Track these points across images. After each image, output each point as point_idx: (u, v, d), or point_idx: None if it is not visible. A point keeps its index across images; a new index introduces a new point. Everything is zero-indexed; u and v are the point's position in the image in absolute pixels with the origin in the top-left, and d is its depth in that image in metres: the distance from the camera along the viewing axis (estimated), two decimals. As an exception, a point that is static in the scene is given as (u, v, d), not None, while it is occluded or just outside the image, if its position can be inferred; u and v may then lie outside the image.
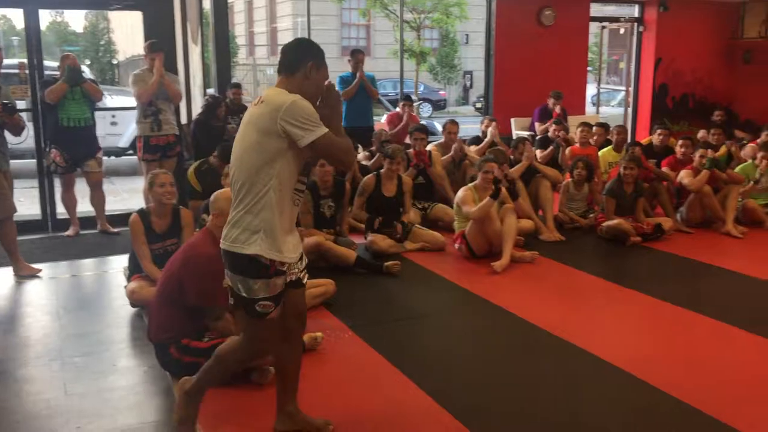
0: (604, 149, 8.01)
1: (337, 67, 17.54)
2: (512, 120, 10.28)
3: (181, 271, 3.50)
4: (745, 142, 9.63)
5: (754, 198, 7.08)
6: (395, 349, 4.14)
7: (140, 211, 4.81)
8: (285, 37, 24.71)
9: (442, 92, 27.37)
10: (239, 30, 32.86)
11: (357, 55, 8.63)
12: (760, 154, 7.17)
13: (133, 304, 4.75)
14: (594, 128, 8.45)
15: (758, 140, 8.69)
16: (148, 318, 3.94)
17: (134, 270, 4.82)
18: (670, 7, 11.11)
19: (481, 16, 23.84)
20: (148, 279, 4.64)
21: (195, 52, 8.41)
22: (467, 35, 28.79)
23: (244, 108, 7.38)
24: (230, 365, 2.98)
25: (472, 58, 27.31)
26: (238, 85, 8.29)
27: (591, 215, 7.05)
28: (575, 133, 8.30)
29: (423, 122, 10.15)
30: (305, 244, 5.51)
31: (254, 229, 2.65)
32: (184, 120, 7.45)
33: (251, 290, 2.70)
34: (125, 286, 4.89)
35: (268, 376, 3.52)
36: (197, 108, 7.71)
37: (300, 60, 2.77)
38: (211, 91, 9.12)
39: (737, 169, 7.32)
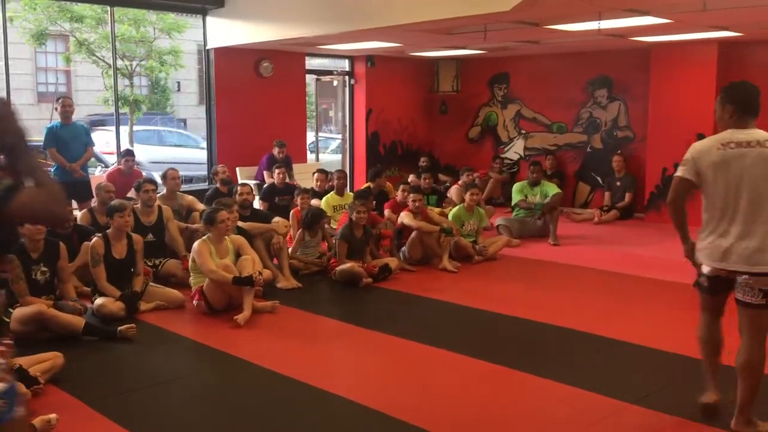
0: (328, 195, 8.40)
1: (34, 115, 16.05)
2: (237, 169, 10.26)
3: None
4: (447, 184, 10.75)
5: (464, 236, 7.87)
6: (141, 420, 3.84)
7: None
8: (-31, 81, 22.01)
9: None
10: None
11: (65, 102, 8.00)
12: (468, 195, 8.02)
13: None
14: (317, 174, 8.92)
15: (460, 182, 9.75)
16: None
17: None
18: (376, 62, 12.05)
19: (193, 64, 23.66)
20: None
21: None
22: (179, 83, 28.28)
23: None
24: None
25: (185, 105, 26.87)
26: None
27: (323, 258, 7.27)
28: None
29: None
30: (22, 314, 4.92)
31: None
32: None
33: None
34: None
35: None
36: None
37: None
38: None
39: (450, 214, 8.07)
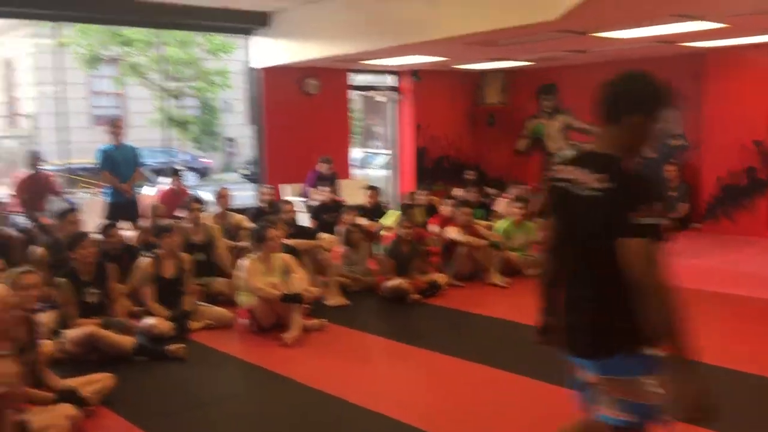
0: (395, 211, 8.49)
1: (90, 138, 16.51)
2: (284, 186, 10.31)
3: None
4: (493, 197, 10.59)
5: (512, 250, 7.71)
6: (191, 442, 3.81)
7: None
8: (29, 107, 22.77)
9: (205, 160, 26.86)
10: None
11: (116, 123, 8.17)
12: (515, 208, 7.87)
13: None
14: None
15: (507, 195, 9.61)
16: None
17: None
18: (422, 77, 12.01)
19: (241, 84, 24.00)
20: None
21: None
22: (227, 102, 28.74)
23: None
24: None
25: (234, 125, 27.26)
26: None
27: (370, 276, 7.22)
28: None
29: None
30: (74, 336, 4.97)
31: None
32: None
33: None
34: None
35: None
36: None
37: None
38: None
39: (498, 228, 7.92)
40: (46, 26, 11.73)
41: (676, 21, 6.82)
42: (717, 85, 9.78)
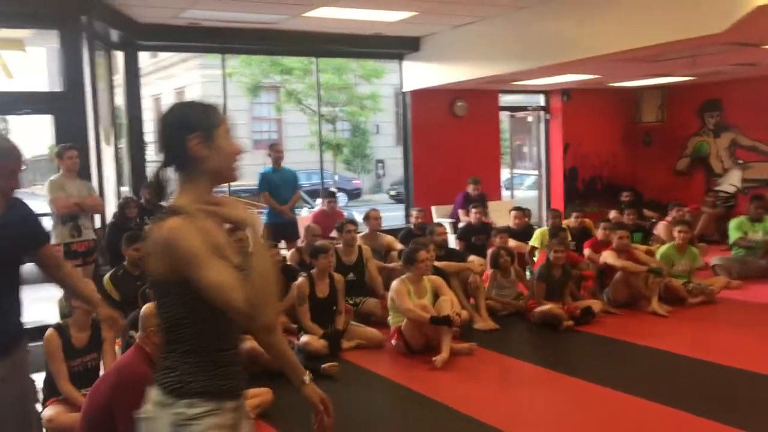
0: (542, 229, 8.33)
1: (250, 161, 17.45)
2: (433, 208, 10.38)
3: (111, 396, 3.19)
4: (653, 220, 10.06)
5: (674, 277, 7.28)
6: (343, 461, 3.89)
7: (57, 326, 4.44)
8: (196, 132, 24.57)
9: (356, 181, 27.68)
10: (146, 126, 32.46)
11: (276, 148, 8.61)
12: (676, 232, 7.44)
13: (51, 434, 4.31)
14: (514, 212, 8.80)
15: (668, 218, 9.09)
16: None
17: (50, 393, 4.40)
18: (573, 95, 11.71)
19: (390, 107, 24.57)
20: (65, 403, 4.24)
21: (108, 152, 8.13)
22: (377, 125, 29.50)
23: (160, 207, 7.13)
24: None
25: (383, 147, 27.90)
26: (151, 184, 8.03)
27: (521, 300, 7.08)
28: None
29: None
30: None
31: None
32: (98, 224, 7.11)
33: None
34: (40, 413, 4.45)
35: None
36: (111, 210, 7.39)
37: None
38: (125, 189, 8.81)
39: (659, 253, 7.53)
40: (214, 58, 12.61)
41: None
42: None
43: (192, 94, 24.75)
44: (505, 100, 12.30)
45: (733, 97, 11.12)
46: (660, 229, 9.05)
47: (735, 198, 11.15)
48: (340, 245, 7.14)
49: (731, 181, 11.31)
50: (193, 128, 1.93)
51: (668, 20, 6.41)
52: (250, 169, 12.80)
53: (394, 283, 5.95)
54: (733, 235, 8.60)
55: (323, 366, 5.30)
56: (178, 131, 1.94)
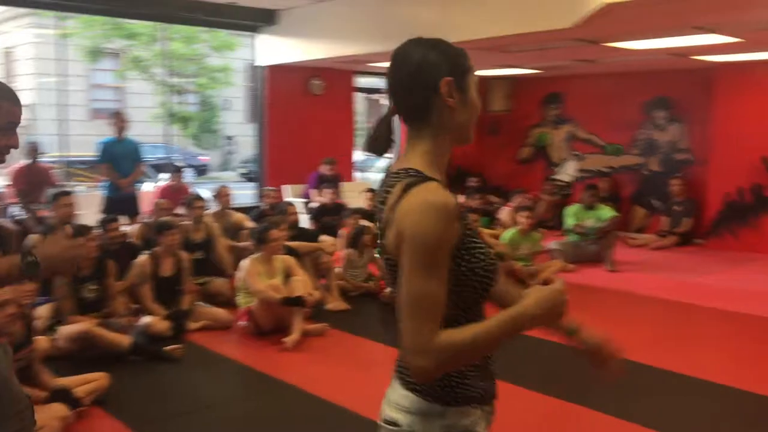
0: None
1: (88, 131, 16.41)
2: (285, 187, 10.18)
3: None
4: (497, 206, 10.49)
5: (517, 260, 7.60)
6: (187, 448, 3.68)
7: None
8: (26, 98, 22.58)
9: (203, 157, 26.73)
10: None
11: (120, 116, 8.04)
12: (521, 217, 7.76)
13: None
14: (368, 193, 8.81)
15: (511, 204, 9.51)
16: None
17: None
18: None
19: (242, 82, 23.86)
20: None
21: None
22: (227, 100, 28.63)
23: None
24: None
25: (233, 123, 27.14)
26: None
27: (372, 281, 7.09)
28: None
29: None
30: (69, 332, 4.84)
31: None
32: None
33: None
34: None
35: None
36: None
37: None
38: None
39: (505, 237, 7.82)
40: (48, 16, 11.60)
41: (693, 33, 6.73)
42: (726, 101, 9.70)
43: (22, 55, 22.72)
44: (362, 81, 12.28)
45: (573, 92, 11.78)
46: (504, 214, 9.45)
47: (571, 187, 11.86)
48: (187, 222, 6.79)
49: (568, 171, 12.01)
50: (447, 70, 1.55)
51: (523, 12, 6.62)
52: (88, 139, 11.97)
53: (244, 263, 5.74)
54: (569, 221, 9.12)
55: (167, 348, 5.02)
56: (429, 71, 1.55)
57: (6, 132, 1.89)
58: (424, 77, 1.56)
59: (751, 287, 7.56)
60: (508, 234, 7.83)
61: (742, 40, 7.08)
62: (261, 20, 9.85)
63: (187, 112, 18.71)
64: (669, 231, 10.21)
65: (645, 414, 4.16)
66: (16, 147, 1.91)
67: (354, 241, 7.03)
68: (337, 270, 6.89)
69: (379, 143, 1.64)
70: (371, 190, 9.03)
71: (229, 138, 29.12)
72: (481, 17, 6.99)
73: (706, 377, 4.77)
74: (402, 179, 1.53)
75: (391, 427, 1.60)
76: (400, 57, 1.61)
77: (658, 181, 10.79)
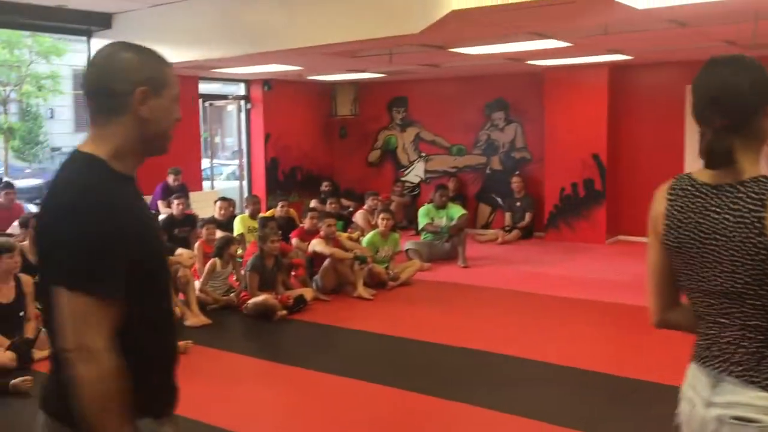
0: (242, 215, 8.27)
1: None
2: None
3: None
4: (351, 209, 10.57)
5: (377, 262, 7.69)
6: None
7: None
8: None
9: (27, 170, 24.76)
10: None
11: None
12: (380, 219, 7.87)
13: None
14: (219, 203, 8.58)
15: (365, 207, 9.61)
16: None
17: None
18: (274, 86, 11.76)
19: (69, 90, 22.35)
20: None
21: None
22: (52, 110, 26.71)
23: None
24: None
25: (60, 133, 25.39)
26: None
27: (232, 293, 6.90)
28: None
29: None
30: None
31: None
32: None
33: None
34: None
35: None
36: None
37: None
38: None
39: (365, 240, 7.90)
40: None
41: (530, 39, 7.15)
42: (557, 102, 10.39)
43: None
44: (203, 88, 11.90)
45: (418, 95, 12.13)
46: (358, 217, 9.53)
47: (419, 187, 12.21)
48: (26, 243, 6.24)
49: (416, 173, 12.35)
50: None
51: (372, 17, 6.69)
52: None
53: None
54: (422, 221, 9.38)
55: (13, 382, 4.59)
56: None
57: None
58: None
59: (588, 275, 8.15)
60: (368, 237, 7.91)
61: (572, 45, 7.61)
62: (95, 24, 9.25)
63: (12, 123, 17.21)
64: (512, 226, 10.79)
65: (512, 403, 4.35)
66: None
67: (220, 251, 6.80)
68: (195, 284, 6.63)
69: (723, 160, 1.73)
70: (223, 199, 8.78)
71: (56, 150, 27.20)
72: (330, 22, 7.00)
73: (561, 362, 5.07)
74: None
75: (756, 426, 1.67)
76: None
77: (500, 179, 11.37)
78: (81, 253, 1.50)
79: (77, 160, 1.65)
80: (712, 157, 1.73)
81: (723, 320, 1.73)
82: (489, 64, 9.53)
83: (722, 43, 7.51)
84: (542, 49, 7.93)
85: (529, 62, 9.34)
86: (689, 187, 1.79)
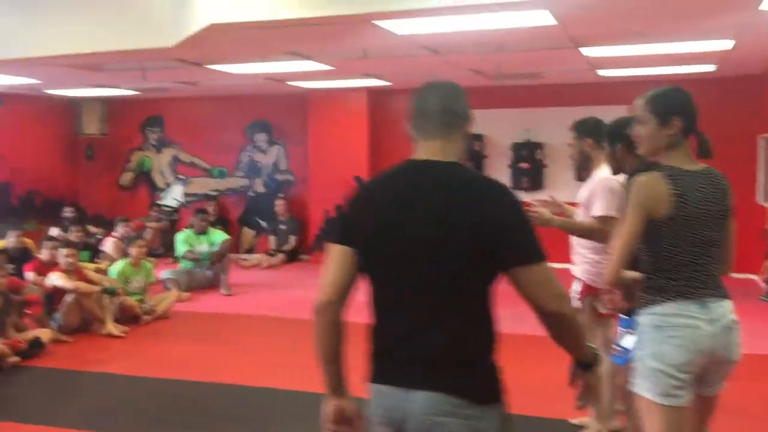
0: None
1: None
2: None
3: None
4: (100, 237, 9.61)
5: (130, 294, 7.01)
6: None
7: None
8: None
9: None
10: None
11: None
12: (134, 248, 7.20)
13: None
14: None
15: (115, 234, 8.79)
16: None
17: None
18: (6, 101, 10.41)
19: None
20: None
21: None
22: None
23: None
24: None
25: None
26: None
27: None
28: None
29: None
30: None
31: None
32: None
33: None
34: None
35: None
36: None
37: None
38: None
39: (114, 270, 7.16)
40: None
41: (288, 59, 7.00)
42: (320, 124, 10.42)
43: None
44: None
45: (174, 115, 11.47)
46: (108, 245, 8.69)
47: (178, 212, 11.52)
48: None
49: (174, 196, 11.65)
50: None
51: (121, 27, 6.09)
52: None
53: None
54: (181, 248, 8.80)
55: None
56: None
57: None
58: None
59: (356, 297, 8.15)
60: (117, 267, 7.19)
61: (333, 68, 7.61)
62: None
63: None
64: (277, 249, 10.56)
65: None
66: None
67: None
68: None
69: None
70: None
71: None
72: (73, 31, 6.26)
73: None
74: None
75: None
76: None
77: (263, 201, 11.11)
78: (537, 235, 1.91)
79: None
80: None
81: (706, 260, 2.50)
82: (250, 84, 9.26)
83: (470, 72, 7.97)
84: (303, 71, 7.85)
85: (290, 83, 9.23)
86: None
